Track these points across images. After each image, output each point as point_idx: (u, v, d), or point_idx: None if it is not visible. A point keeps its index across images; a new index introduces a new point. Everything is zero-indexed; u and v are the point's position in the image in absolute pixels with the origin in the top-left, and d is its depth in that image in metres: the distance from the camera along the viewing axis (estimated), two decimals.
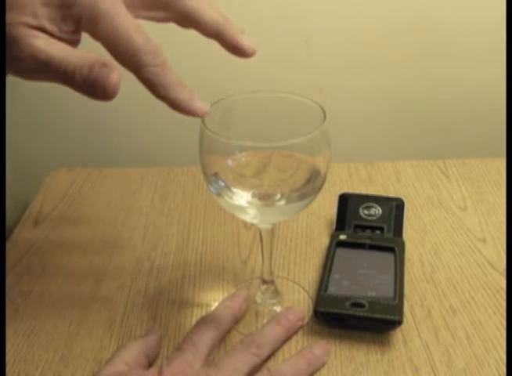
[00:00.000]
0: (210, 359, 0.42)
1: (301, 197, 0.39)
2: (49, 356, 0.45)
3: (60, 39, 0.31)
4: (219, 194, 0.39)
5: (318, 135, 0.36)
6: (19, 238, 0.58)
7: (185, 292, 0.51)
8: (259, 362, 0.41)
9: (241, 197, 0.39)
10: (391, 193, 0.62)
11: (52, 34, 0.31)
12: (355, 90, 0.76)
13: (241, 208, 0.40)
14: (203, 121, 0.36)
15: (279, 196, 0.39)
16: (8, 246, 0.57)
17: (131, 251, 0.56)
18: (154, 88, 0.31)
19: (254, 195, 0.39)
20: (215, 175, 0.39)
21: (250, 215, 0.40)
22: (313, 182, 0.39)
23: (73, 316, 0.48)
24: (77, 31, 0.32)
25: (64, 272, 0.53)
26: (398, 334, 0.45)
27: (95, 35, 0.31)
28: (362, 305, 0.44)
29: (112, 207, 0.63)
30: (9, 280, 0.52)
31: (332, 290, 0.47)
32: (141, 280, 0.52)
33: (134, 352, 0.42)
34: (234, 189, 0.39)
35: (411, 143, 0.81)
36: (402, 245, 0.52)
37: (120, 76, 0.29)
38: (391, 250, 0.51)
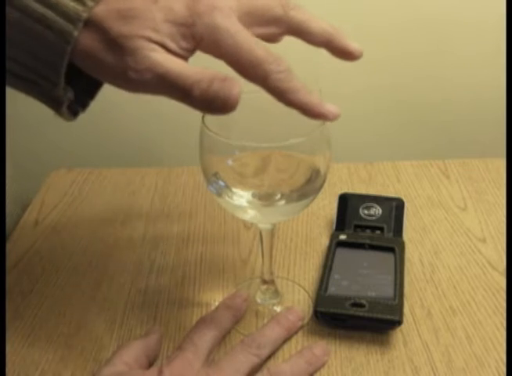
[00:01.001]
0: (210, 359, 0.42)
1: (301, 197, 0.39)
2: (49, 356, 0.45)
3: (177, 56, 0.31)
4: (219, 194, 0.39)
5: (318, 135, 0.36)
6: (19, 238, 0.58)
7: (185, 292, 0.51)
8: (259, 362, 0.41)
9: (241, 197, 0.39)
10: (391, 193, 0.62)
11: (169, 50, 0.31)
12: (355, 90, 0.76)
13: (241, 208, 0.40)
14: (203, 121, 0.36)
15: (279, 196, 0.39)
16: (8, 246, 0.57)
17: (131, 251, 0.56)
18: (283, 94, 0.31)
19: (254, 195, 0.39)
20: (215, 175, 0.39)
21: (250, 215, 0.40)
22: (313, 182, 0.39)
23: (73, 316, 0.48)
24: (194, 50, 0.32)
25: (64, 272, 0.53)
26: (398, 334, 0.45)
27: (218, 53, 0.32)
28: (362, 305, 0.44)
29: (112, 207, 0.63)
30: (9, 280, 0.52)
31: (332, 290, 0.47)
32: (141, 280, 0.52)
33: (134, 352, 0.42)
34: (234, 189, 0.39)
35: (411, 143, 0.81)
36: (402, 245, 0.52)
37: (241, 89, 0.30)
38: (391, 250, 0.51)
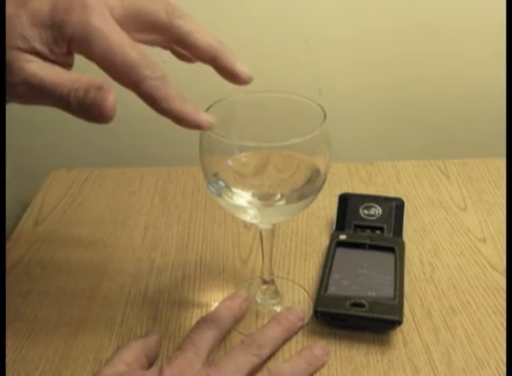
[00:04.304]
0: (210, 359, 0.42)
1: (301, 197, 0.39)
2: (49, 356, 0.45)
3: (53, 62, 0.30)
4: (219, 194, 0.39)
5: (318, 135, 0.36)
6: (20, 238, 0.58)
7: (185, 292, 0.51)
8: (259, 362, 0.41)
9: (241, 197, 0.39)
10: (391, 193, 0.62)
11: (44, 57, 0.29)
12: (355, 90, 0.76)
13: (241, 208, 0.40)
14: None
15: (279, 196, 0.39)
16: (8, 246, 0.57)
17: (131, 251, 0.56)
18: (156, 101, 0.30)
19: (254, 195, 0.39)
20: (215, 175, 0.39)
21: (250, 215, 0.40)
22: (313, 182, 0.39)
23: (73, 316, 0.48)
24: (69, 53, 0.31)
25: (64, 272, 0.53)
26: (398, 334, 0.45)
27: (89, 55, 0.30)
28: (362, 305, 0.44)
29: (112, 207, 0.63)
30: (9, 280, 0.52)
31: (332, 290, 0.47)
32: (141, 280, 0.52)
33: (134, 352, 0.42)
34: (234, 190, 0.39)
35: (411, 143, 0.81)
36: (402, 245, 0.52)
37: (116, 98, 0.29)
38: (391, 250, 0.51)
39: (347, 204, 0.56)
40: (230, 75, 0.34)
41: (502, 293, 0.49)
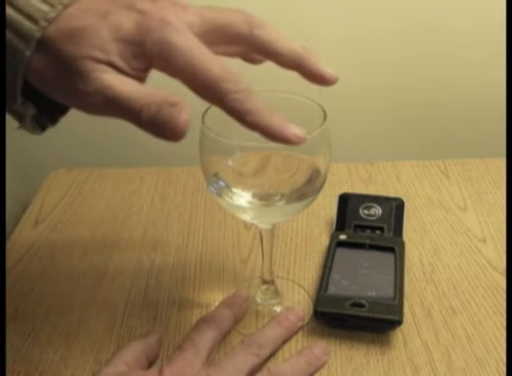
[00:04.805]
0: (210, 359, 0.42)
1: (301, 197, 0.39)
2: (49, 356, 0.45)
3: (129, 76, 0.30)
4: (219, 194, 0.39)
5: (318, 135, 0.36)
6: (19, 238, 0.58)
7: (185, 292, 0.51)
8: (259, 362, 0.42)
9: (241, 197, 0.39)
10: (391, 193, 0.62)
11: (120, 70, 0.30)
12: (355, 90, 0.76)
13: (241, 208, 0.40)
14: (203, 121, 0.36)
15: (279, 196, 0.39)
16: (8, 246, 0.57)
17: (131, 251, 0.56)
18: (241, 115, 0.29)
19: (254, 195, 0.39)
20: (215, 175, 0.39)
21: (250, 215, 0.40)
22: (313, 182, 0.39)
23: (73, 316, 0.48)
24: (147, 69, 0.31)
25: (64, 273, 0.53)
26: (398, 334, 0.45)
27: (171, 72, 0.30)
28: (362, 305, 0.44)
29: (112, 207, 0.63)
30: (9, 280, 0.52)
31: (332, 290, 0.47)
32: (141, 280, 0.52)
33: (134, 352, 0.42)
34: (234, 190, 0.39)
35: (411, 143, 0.81)
36: (402, 245, 0.52)
37: (189, 116, 0.28)
38: (391, 250, 0.51)
39: (347, 204, 0.56)
40: (317, 78, 0.34)
41: (502, 293, 0.49)
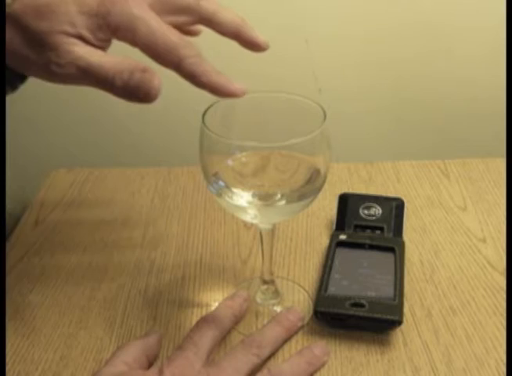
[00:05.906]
0: (210, 359, 0.42)
1: (301, 197, 0.39)
2: (49, 356, 0.45)
3: (95, 47, 0.33)
4: (219, 194, 0.39)
5: (318, 135, 0.36)
6: (19, 238, 0.58)
7: (185, 292, 0.51)
8: (259, 362, 0.41)
9: (241, 197, 0.39)
10: (391, 193, 0.62)
11: (87, 42, 0.32)
12: (355, 90, 0.76)
13: (241, 208, 0.40)
14: (203, 121, 0.36)
15: (279, 196, 0.39)
16: (8, 246, 0.57)
17: (131, 251, 0.56)
18: (196, 77, 0.32)
19: (254, 195, 0.39)
20: (215, 175, 0.39)
21: (250, 215, 0.40)
22: (313, 182, 0.39)
23: (73, 316, 0.48)
24: (110, 39, 0.33)
25: (64, 272, 0.53)
26: (398, 334, 0.45)
27: (134, 41, 0.32)
28: (362, 305, 0.44)
29: (112, 207, 0.63)
30: (9, 280, 0.52)
31: (332, 290, 0.47)
32: (141, 280, 0.52)
33: (134, 352, 0.42)
34: (234, 190, 0.39)
35: (411, 143, 0.81)
36: (402, 245, 0.52)
37: (161, 80, 0.31)
38: (391, 250, 0.51)
39: (347, 204, 0.56)
40: (253, 45, 0.38)
41: (502, 293, 0.49)
